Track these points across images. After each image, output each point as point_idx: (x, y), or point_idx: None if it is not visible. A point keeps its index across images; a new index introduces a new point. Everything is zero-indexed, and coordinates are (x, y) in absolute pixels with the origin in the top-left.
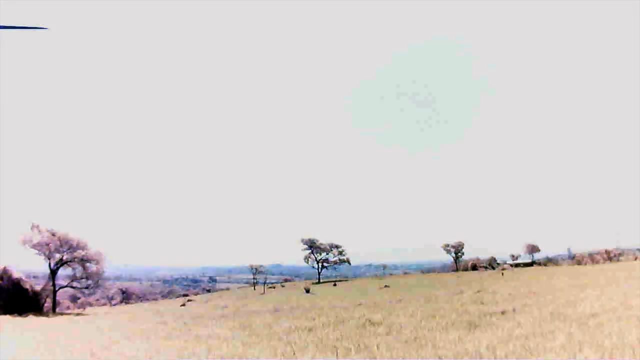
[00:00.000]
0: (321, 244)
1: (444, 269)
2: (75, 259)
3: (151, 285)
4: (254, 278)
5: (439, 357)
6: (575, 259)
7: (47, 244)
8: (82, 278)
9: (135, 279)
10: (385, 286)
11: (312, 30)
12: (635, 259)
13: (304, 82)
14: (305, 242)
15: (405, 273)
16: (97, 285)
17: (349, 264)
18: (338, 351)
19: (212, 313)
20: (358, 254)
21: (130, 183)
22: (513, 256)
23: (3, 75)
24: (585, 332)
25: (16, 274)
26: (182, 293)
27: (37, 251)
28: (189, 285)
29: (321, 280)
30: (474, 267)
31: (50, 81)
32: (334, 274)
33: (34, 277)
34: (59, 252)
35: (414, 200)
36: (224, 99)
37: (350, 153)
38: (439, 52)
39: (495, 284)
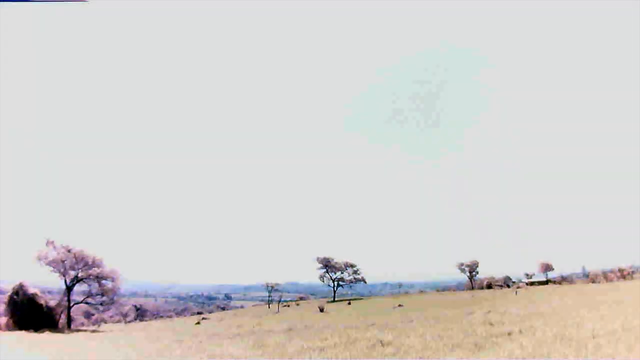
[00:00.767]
0: (336, 262)
1: (459, 287)
2: (91, 276)
3: (165, 302)
4: (269, 296)
5: None
6: (589, 277)
7: (63, 261)
8: (97, 294)
9: (150, 296)
10: (399, 305)
11: (311, 31)
12: None
13: (316, 94)
14: (320, 260)
15: (421, 292)
16: (112, 302)
17: (365, 282)
18: None
19: (227, 332)
20: (374, 273)
21: (149, 200)
22: (527, 275)
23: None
24: (580, 354)
25: (31, 290)
26: (196, 311)
27: (52, 268)
28: (204, 303)
29: (336, 299)
30: (489, 286)
31: (53, 82)
32: (349, 292)
33: (49, 292)
34: (74, 269)
35: (430, 220)
36: (240, 115)
37: (368, 172)
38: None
39: (507, 304)
